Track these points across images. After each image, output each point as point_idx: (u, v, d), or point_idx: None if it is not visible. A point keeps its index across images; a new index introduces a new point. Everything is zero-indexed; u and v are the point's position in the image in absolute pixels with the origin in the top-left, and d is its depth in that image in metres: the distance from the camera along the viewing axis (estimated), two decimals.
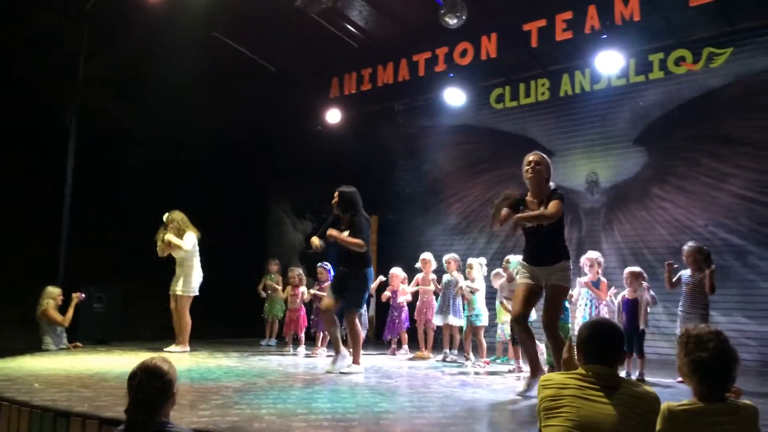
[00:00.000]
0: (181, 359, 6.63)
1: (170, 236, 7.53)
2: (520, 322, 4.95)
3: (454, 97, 9.96)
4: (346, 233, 6.17)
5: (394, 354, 8.19)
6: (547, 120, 9.98)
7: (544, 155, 5.09)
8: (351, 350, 6.28)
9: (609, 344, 2.67)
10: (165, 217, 7.70)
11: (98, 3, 8.62)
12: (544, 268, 4.80)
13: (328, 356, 7.37)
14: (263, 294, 9.16)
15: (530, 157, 5.03)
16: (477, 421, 3.92)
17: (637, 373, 6.18)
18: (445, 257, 7.89)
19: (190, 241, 7.61)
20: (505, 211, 4.96)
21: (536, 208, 4.87)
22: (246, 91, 10.61)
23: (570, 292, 5.86)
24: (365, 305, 8.06)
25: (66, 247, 8.14)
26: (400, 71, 9.98)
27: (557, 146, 9.81)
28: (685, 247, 6.32)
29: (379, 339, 9.39)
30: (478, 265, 7.53)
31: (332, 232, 6.14)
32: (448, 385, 5.35)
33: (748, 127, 8.19)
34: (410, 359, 7.75)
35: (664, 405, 2.54)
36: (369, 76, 10.31)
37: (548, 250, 4.81)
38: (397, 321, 8.25)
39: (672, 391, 5.67)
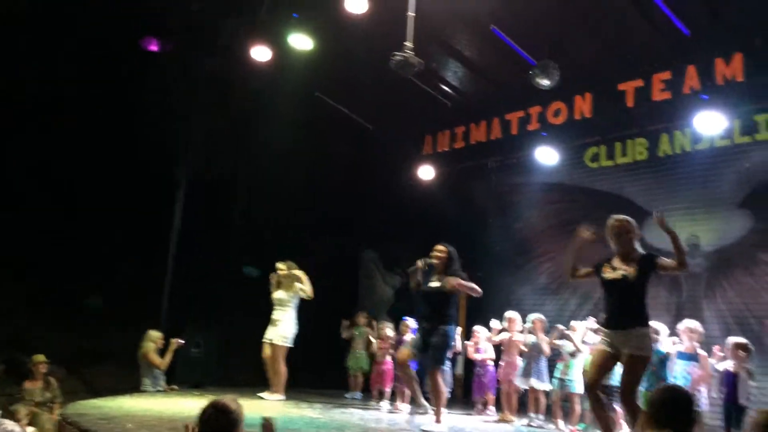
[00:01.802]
0: (273, 407, 6.83)
1: (300, 272, 7.82)
2: (590, 390, 4.80)
3: (547, 156, 9.92)
4: (437, 284, 6.26)
5: (479, 414, 8.03)
6: (645, 180, 9.70)
7: (630, 219, 4.97)
8: (434, 409, 6.25)
9: (680, 410, 2.65)
10: (281, 264, 7.95)
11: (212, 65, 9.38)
12: (622, 333, 4.63)
13: (410, 413, 7.38)
14: (345, 334, 9.23)
15: (612, 222, 4.96)
16: None
17: None
18: (531, 317, 7.75)
19: (305, 291, 7.85)
20: (583, 270, 4.93)
21: (626, 270, 4.79)
22: (344, 147, 11.04)
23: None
24: (450, 363, 8.07)
25: (169, 292, 8.66)
26: (492, 129, 10.10)
27: (655, 207, 9.37)
28: None
29: (466, 398, 9.24)
30: (582, 327, 7.32)
31: (453, 280, 6.19)
32: None
33: None
34: (495, 422, 7.57)
35: None
36: (462, 134, 10.50)
37: (628, 314, 4.65)
38: (483, 380, 8.13)
39: None
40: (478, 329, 8.35)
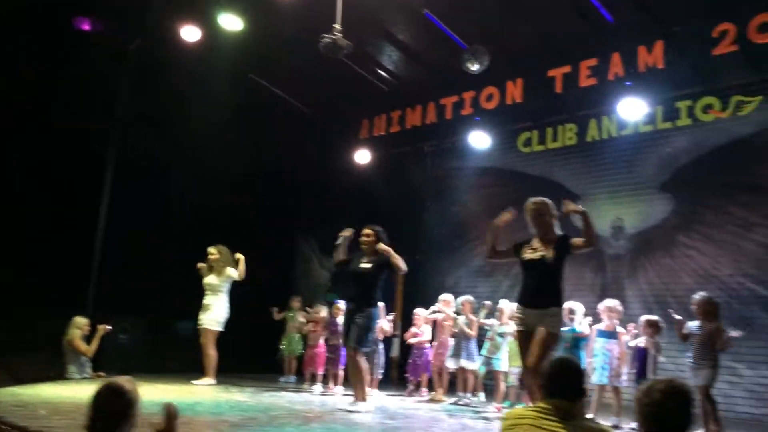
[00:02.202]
0: (202, 392, 6.81)
1: (238, 255, 7.86)
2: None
3: (480, 140, 10.07)
4: (368, 265, 6.34)
5: (410, 395, 8.16)
6: (574, 164, 9.97)
7: (547, 201, 5.10)
8: (355, 388, 6.32)
9: (569, 380, 2.75)
10: (212, 249, 7.94)
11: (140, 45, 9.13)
12: (536, 312, 4.77)
13: (344, 395, 7.45)
14: (277, 316, 9.24)
15: (529, 205, 5.08)
16: None
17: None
18: (460, 299, 7.91)
19: (236, 273, 7.84)
20: (503, 249, 5.07)
21: (545, 251, 4.92)
22: (280, 130, 10.94)
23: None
24: (383, 345, 8.18)
25: (97, 277, 8.46)
26: (427, 114, 10.17)
27: (583, 190, 9.76)
28: (696, 297, 6.23)
29: (402, 380, 9.36)
30: (510, 306, 7.47)
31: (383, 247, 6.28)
32: (448, 428, 5.34)
33: None
34: (425, 402, 7.71)
35: None
36: (398, 119, 10.54)
37: (543, 293, 4.78)
38: (418, 362, 8.26)
39: None
40: (419, 312, 8.48)
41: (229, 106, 9.64)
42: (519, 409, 2.86)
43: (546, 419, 2.66)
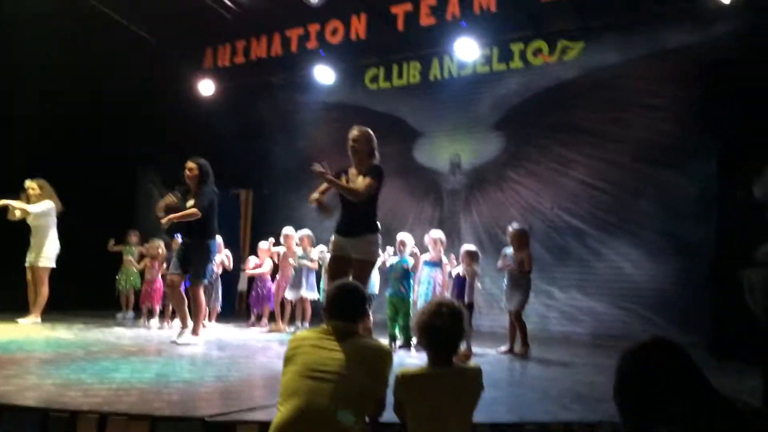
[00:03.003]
0: (23, 330, 6.55)
1: (19, 203, 7.37)
2: None
3: (325, 75, 10.06)
4: (191, 201, 6.23)
5: (252, 326, 8.28)
6: (418, 102, 10.25)
7: (367, 130, 5.15)
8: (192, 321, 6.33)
9: (349, 303, 2.94)
10: (27, 183, 7.51)
11: None
12: (351, 240, 4.94)
13: (159, 328, 7.46)
14: (112, 248, 9.00)
15: (350, 134, 5.15)
16: (254, 389, 4.07)
17: (464, 345, 6.55)
18: (299, 234, 8.04)
19: (38, 208, 7.42)
20: (322, 187, 5.12)
21: (357, 180, 5.01)
22: (119, 58, 10.25)
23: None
24: (218, 277, 8.17)
25: None
26: (273, 46, 9.95)
27: (425, 127, 10.12)
28: (509, 228, 6.74)
29: (247, 313, 9.44)
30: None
31: (168, 208, 6.17)
32: (273, 356, 5.49)
33: (593, 119, 8.74)
34: (266, 332, 7.86)
35: (399, 371, 2.82)
36: (243, 49, 10.22)
37: (357, 222, 4.95)
38: (260, 294, 8.36)
39: (489, 358, 6.08)
40: (262, 245, 8.52)
41: (67, 32, 8.90)
42: (304, 332, 3.02)
43: (325, 339, 2.84)
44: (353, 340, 2.85)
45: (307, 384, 2.66)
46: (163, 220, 6.17)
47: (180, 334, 6.19)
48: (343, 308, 2.95)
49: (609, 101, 8.66)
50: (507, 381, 4.75)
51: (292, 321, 8.16)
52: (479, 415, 3.19)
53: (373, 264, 5.03)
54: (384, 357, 2.87)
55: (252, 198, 11.41)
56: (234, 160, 10.66)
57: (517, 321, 6.65)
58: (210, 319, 8.06)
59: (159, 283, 8.29)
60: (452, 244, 8.79)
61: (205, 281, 6.47)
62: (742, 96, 6.47)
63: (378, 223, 5.05)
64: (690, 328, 7.44)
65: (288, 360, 2.83)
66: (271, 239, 8.39)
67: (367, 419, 3.01)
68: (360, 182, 4.91)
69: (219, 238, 7.93)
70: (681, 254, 7.81)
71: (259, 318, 8.43)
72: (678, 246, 7.86)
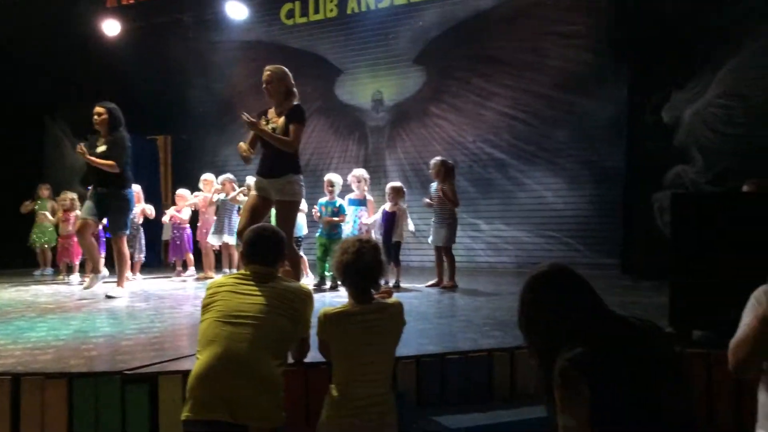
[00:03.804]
0: None
1: None
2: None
3: (236, 10, 9.64)
4: (103, 148, 5.93)
5: (178, 276, 8.13)
6: (336, 37, 10.01)
7: (279, 68, 4.99)
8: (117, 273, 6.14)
9: (267, 247, 2.89)
10: None
11: None
12: (273, 181, 4.85)
13: (80, 282, 7.23)
14: (25, 209, 8.62)
15: (263, 75, 4.98)
16: (179, 339, 4.02)
17: (393, 281, 6.64)
18: (220, 178, 7.86)
19: None
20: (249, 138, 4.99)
21: (277, 122, 4.89)
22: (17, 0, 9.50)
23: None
24: (140, 228, 7.93)
25: None
26: None
27: (345, 64, 9.93)
28: (432, 161, 6.74)
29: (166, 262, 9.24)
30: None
31: (85, 155, 5.85)
32: (200, 305, 5.39)
33: (511, 49, 8.76)
34: (194, 280, 7.74)
35: (321, 311, 2.82)
36: None
37: (279, 163, 4.85)
38: (179, 242, 8.18)
39: (417, 293, 6.20)
40: (181, 192, 8.29)
41: None
42: (221, 277, 2.97)
43: (243, 284, 2.80)
44: (272, 284, 2.83)
45: (226, 330, 2.63)
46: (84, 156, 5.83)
47: (92, 281, 6.02)
48: (262, 252, 2.91)
49: (526, 30, 8.68)
50: (433, 314, 4.85)
51: (219, 268, 8.05)
52: (405, 349, 3.28)
53: (296, 204, 4.94)
54: (303, 298, 2.86)
55: (171, 144, 11.01)
56: (148, 105, 10.22)
57: (447, 255, 6.72)
58: (134, 272, 7.86)
59: (75, 237, 7.96)
60: (379, 181, 8.85)
61: (127, 232, 6.22)
62: (650, 22, 6.61)
63: (299, 164, 4.95)
64: (607, 251, 7.80)
65: (206, 307, 2.79)
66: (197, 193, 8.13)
67: (292, 360, 3.04)
68: (281, 124, 4.81)
69: (137, 188, 7.69)
70: (597, 181, 8.08)
71: (184, 267, 8.27)
72: (594, 173, 8.11)
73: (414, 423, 2.92)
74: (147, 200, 8.71)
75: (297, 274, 4.91)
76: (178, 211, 8.14)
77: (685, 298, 3.40)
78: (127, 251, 6.18)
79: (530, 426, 2.88)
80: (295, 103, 4.98)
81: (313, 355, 2.99)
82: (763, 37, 6.59)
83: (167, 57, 10.71)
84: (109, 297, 5.80)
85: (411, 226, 6.88)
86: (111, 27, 9.87)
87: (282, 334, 2.74)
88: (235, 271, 7.73)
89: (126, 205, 6.08)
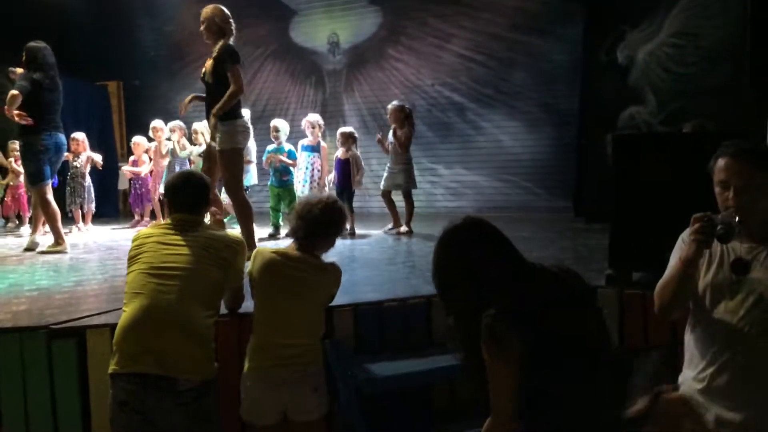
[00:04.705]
0: None
1: None
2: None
3: None
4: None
5: (134, 227, 7.96)
6: None
7: (214, 6, 4.71)
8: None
9: (192, 194, 2.79)
10: None
11: None
12: (219, 127, 4.69)
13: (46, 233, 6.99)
14: None
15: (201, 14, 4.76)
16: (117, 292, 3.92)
17: (348, 227, 6.57)
18: (170, 125, 7.64)
19: None
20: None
21: (211, 66, 4.71)
22: None
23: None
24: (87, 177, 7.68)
25: None
26: None
27: (299, 5, 9.60)
28: (389, 107, 6.59)
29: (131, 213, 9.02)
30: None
31: None
32: None
33: None
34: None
35: (257, 248, 2.77)
36: None
37: (211, 109, 4.66)
38: (139, 192, 8.01)
39: (371, 239, 6.16)
40: (139, 140, 8.06)
41: None
42: (148, 228, 2.87)
43: (169, 234, 2.71)
44: (199, 233, 2.74)
45: (153, 282, 2.56)
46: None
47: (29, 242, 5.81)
48: (186, 199, 2.81)
49: None
50: (382, 260, 4.82)
51: None
52: (345, 297, 3.23)
53: (236, 152, 4.77)
54: (233, 247, 2.78)
55: (122, 90, 10.64)
56: (99, 49, 9.82)
57: (406, 200, 6.62)
58: (86, 222, 7.68)
59: (22, 188, 7.73)
60: (336, 126, 8.66)
61: (47, 182, 5.76)
62: None
63: (235, 110, 4.74)
64: (563, 194, 7.81)
65: (132, 258, 2.70)
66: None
67: (225, 310, 2.98)
68: (209, 68, 4.64)
69: (80, 135, 7.46)
70: (554, 123, 8.03)
71: (141, 216, 8.10)
72: (551, 115, 8.06)
73: (349, 371, 2.90)
74: (101, 148, 8.49)
75: (247, 224, 4.81)
76: (136, 161, 7.93)
77: (623, 240, 3.39)
78: (50, 202, 5.57)
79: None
80: (227, 43, 4.75)
81: (247, 305, 2.93)
82: None
83: None
84: (44, 252, 5.55)
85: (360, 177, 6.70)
86: None
87: (212, 284, 2.67)
88: None
89: (34, 153, 5.46)
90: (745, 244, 2.21)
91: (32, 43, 5.56)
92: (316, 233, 2.76)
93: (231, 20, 4.77)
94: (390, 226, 6.72)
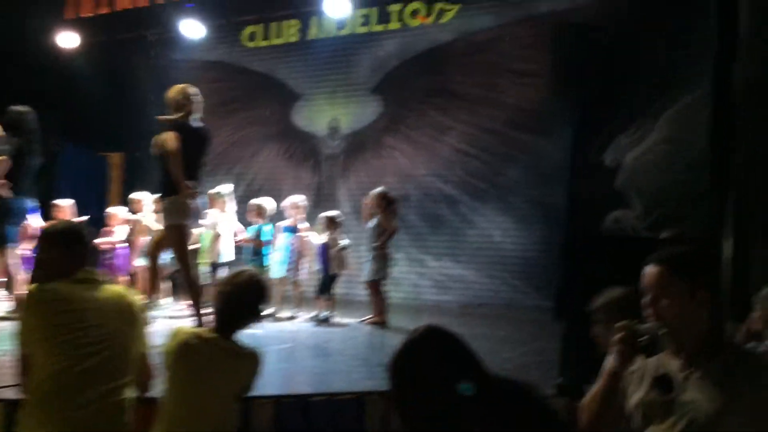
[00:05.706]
0: None
1: None
2: (150, 256, 4.90)
3: (194, 29, 9.46)
4: None
5: None
6: (296, 62, 9.87)
7: (177, 86, 4.91)
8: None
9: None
10: None
11: None
12: (161, 203, 4.69)
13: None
14: None
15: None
16: None
17: (325, 313, 6.36)
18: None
19: None
20: None
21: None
22: None
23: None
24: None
25: None
26: None
27: (304, 90, 9.77)
28: (371, 193, 6.53)
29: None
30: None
31: None
32: None
33: (467, 83, 8.63)
34: None
35: (177, 327, 2.60)
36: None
37: (161, 184, 4.70)
38: (112, 263, 7.87)
39: (336, 329, 5.92)
40: (116, 211, 8.02)
41: None
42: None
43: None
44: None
45: None
46: None
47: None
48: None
49: (483, 66, 8.56)
50: (335, 350, 4.59)
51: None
52: (268, 388, 3.01)
53: (175, 228, 4.71)
54: (133, 307, 2.62)
55: (124, 161, 10.76)
56: (107, 121, 10.03)
57: (373, 290, 6.44)
58: None
59: None
60: (329, 210, 8.59)
61: (10, 245, 5.67)
62: (596, 62, 6.51)
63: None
64: (550, 294, 7.53)
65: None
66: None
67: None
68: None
69: (68, 202, 7.44)
70: (545, 221, 7.87)
71: None
72: (543, 213, 7.91)
73: None
74: (96, 217, 8.44)
75: (196, 303, 4.68)
76: (108, 233, 7.85)
77: (573, 350, 3.16)
78: (13, 267, 5.54)
79: None
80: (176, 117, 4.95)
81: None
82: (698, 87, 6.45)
83: (128, 73, 10.53)
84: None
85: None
86: (68, 39, 9.63)
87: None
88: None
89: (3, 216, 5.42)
90: (678, 360, 2.02)
91: (16, 108, 5.60)
92: (232, 310, 2.60)
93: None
94: (368, 317, 6.49)
